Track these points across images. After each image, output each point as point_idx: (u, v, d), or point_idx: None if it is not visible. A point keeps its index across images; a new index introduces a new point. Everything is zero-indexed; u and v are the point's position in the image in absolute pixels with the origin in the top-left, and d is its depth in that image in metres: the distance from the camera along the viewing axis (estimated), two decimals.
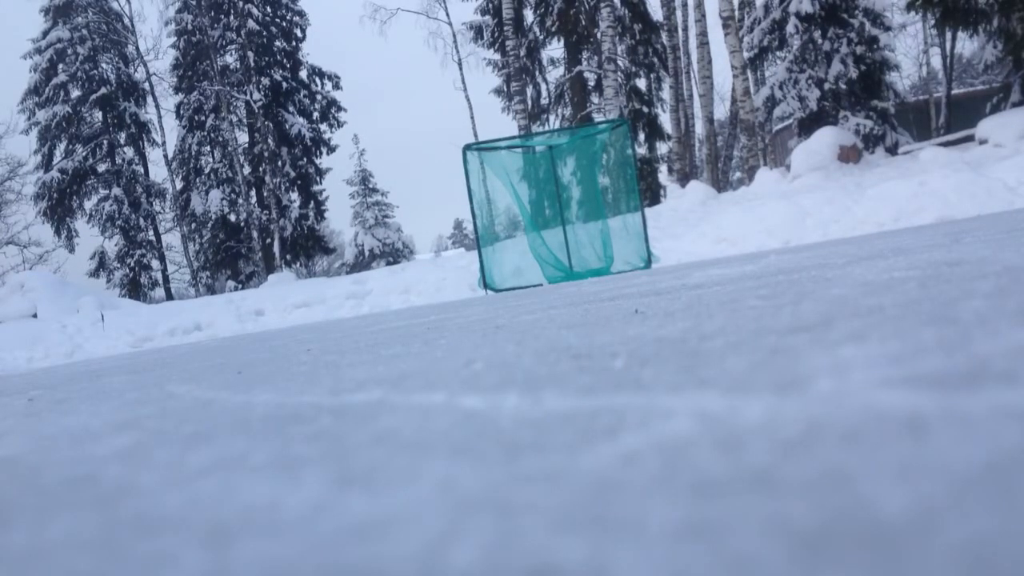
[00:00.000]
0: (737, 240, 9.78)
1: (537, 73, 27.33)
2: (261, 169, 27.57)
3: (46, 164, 27.89)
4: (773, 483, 0.46)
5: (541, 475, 0.56)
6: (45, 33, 28.16)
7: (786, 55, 17.95)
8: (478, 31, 26.62)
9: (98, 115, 28.35)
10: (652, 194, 23.26)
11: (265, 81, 27.22)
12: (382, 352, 2.02)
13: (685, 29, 23.85)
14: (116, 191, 27.69)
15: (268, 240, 27.46)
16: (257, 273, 26.91)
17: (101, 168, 28.36)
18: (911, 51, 37.81)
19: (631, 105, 24.81)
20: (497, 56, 26.46)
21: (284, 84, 27.68)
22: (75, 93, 28.02)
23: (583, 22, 24.51)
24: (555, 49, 27.20)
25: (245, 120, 28.33)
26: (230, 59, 28.06)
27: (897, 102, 18.47)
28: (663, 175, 25.33)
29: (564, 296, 3.92)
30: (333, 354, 2.32)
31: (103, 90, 27.55)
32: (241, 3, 26.99)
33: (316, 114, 28.94)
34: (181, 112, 28.21)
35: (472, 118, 26.52)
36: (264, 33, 27.44)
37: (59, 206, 27.62)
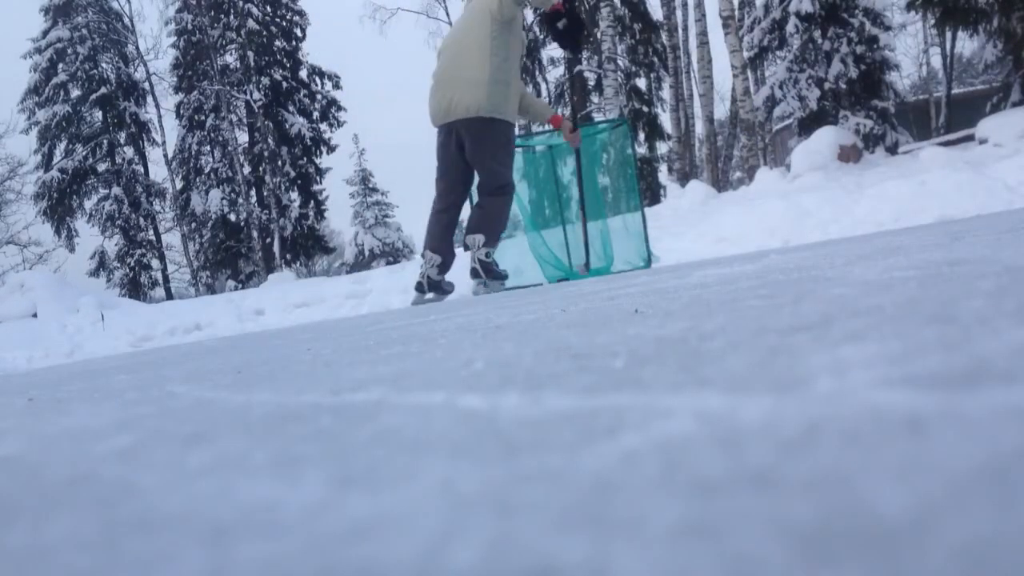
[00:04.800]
0: (737, 240, 9.79)
1: (537, 73, 27.31)
2: (261, 169, 27.56)
3: (46, 164, 27.88)
4: (773, 483, 0.46)
5: (541, 475, 0.56)
6: (45, 33, 28.15)
7: (786, 55, 17.94)
8: None
9: (98, 115, 28.34)
10: (652, 194, 23.27)
11: (265, 81, 27.22)
12: (382, 352, 2.02)
13: (685, 28, 23.85)
14: (116, 191, 27.68)
15: (268, 240, 27.45)
16: (257, 273, 26.89)
17: (101, 168, 28.35)
18: (911, 51, 37.83)
19: (631, 105, 24.80)
20: None
21: (284, 84, 27.67)
22: (75, 93, 28.01)
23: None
24: (555, 49, 27.19)
25: (245, 120, 28.32)
26: (230, 59, 28.05)
27: (897, 102, 18.46)
28: (663, 175, 25.37)
29: (564, 296, 3.92)
30: (333, 354, 2.32)
31: (103, 90, 27.54)
32: (241, 3, 26.97)
33: (316, 114, 28.93)
34: (181, 112, 28.20)
35: None
36: (264, 33, 27.42)
37: (59, 206, 27.61)
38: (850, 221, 9.24)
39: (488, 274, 5.20)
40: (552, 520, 0.45)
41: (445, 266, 5.45)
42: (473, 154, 5.14)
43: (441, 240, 5.37)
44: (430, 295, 5.39)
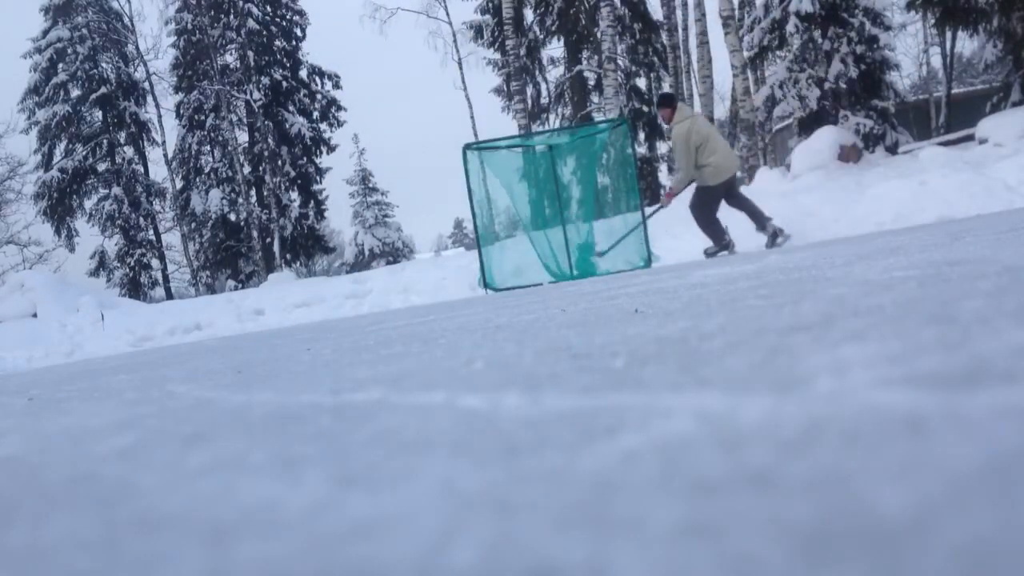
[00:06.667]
0: (737, 239, 9.78)
1: (537, 72, 27.30)
2: (261, 168, 27.55)
3: (46, 163, 27.86)
4: (773, 483, 0.46)
5: (541, 475, 0.56)
6: (45, 32, 28.14)
7: (786, 55, 17.94)
8: (478, 30, 26.59)
9: (98, 114, 28.32)
10: (652, 193, 23.26)
11: (265, 80, 27.21)
12: (382, 352, 2.02)
13: (685, 28, 23.83)
14: (116, 190, 27.67)
15: (268, 240, 27.43)
16: (257, 273, 26.89)
17: (101, 167, 28.34)
18: (911, 50, 37.78)
19: (631, 104, 24.79)
20: (497, 55, 26.44)
21: (284, 83, 27.65)
22: (75, 92, 27.98)
23: (583, 21, 24.50)
24: (555, 48, 27.17)
25: (245, 120, 28.29)
26: (230, 58, 28.02)
27: (897, 101, 18.44)
28: (663, 175, 25.35)
29: (564, 296, 3.92)
30: (333, 354, 2.32)
31: (103, 89, 27.53)
32: (241, 2, 26.97)
33: (316, 113, 28.90)
34: (181, 112, 28.17)
35: (472, 117, 26.48)
36: (264, 32, 27.41)
37: (59, 205, 27.59)
38: (850, 221, 9.24)
39: (776, 237, 8.52)
40: (552, 520, 0.45)
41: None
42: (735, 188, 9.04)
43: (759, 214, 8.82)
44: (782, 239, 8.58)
